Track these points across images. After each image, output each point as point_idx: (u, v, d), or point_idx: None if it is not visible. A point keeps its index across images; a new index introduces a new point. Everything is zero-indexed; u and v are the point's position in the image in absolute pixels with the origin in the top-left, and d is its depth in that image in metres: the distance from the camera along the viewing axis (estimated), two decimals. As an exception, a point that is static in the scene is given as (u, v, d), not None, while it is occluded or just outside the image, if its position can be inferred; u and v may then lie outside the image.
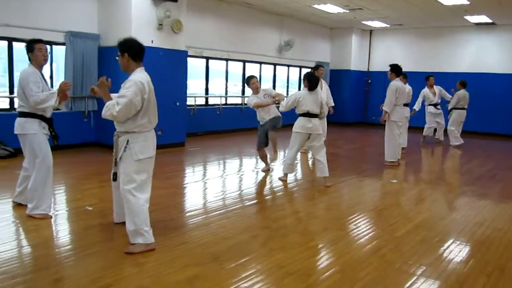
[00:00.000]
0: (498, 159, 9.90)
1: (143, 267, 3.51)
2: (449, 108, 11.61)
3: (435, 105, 11.66)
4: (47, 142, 4.68)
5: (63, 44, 8.53)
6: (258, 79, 7.30)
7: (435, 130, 11.98)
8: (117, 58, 3.92)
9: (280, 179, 6.92)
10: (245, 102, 7.03)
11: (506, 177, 7.84)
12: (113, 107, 3.65)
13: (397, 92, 8.20)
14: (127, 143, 3.80)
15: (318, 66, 8.83)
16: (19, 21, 7.87)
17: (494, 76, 14.12)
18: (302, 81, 6.56)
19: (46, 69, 8.75)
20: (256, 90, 7.20)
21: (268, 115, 7.15)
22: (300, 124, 6.50)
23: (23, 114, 4.59)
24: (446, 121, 11.75)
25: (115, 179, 3.93)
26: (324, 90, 9.04)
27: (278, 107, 6.98)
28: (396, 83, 8.28)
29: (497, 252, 4.16)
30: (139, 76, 3.79)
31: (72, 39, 8.49)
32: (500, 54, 14.16)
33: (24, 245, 4.02)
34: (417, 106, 11.52)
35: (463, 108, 11.49)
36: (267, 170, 7.52)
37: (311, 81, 6.46)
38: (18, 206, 4.90)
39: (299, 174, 7.64)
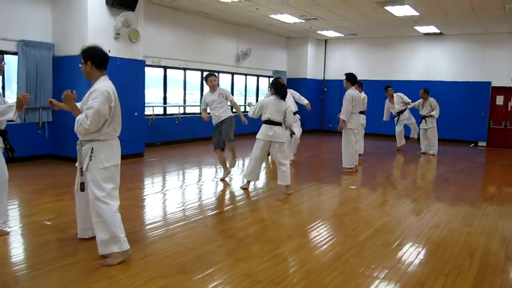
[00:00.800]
0: (449, 163, 10.32)
1: (110, 281, 3.44)
2: (426, 114, 11.64)
3: (402, 112, 12.01)
4: (1, 155, 4.51)
5: (15, 53, 8.26)
6: (217, 78, 7.42)
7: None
8: (80, 65, 3.87)
9: (241, 187, 6.95)
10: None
11: (458, 180, 8.20)
12: (83, 121, 3.61)
13: (353, 100, 8.43)
14: (91, 152, 3.74)
15: (277, 78, 8.98)
16: (-32, 29, 7.58)
17: (443, 83, 14.74)
18: (269, 88, 6.61)
19: (-3, 80, 8.49)
20: (213, 88, 7.31)
21: (217, 118, 7.23)
22: (262, 131, 6.57)
23: None
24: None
25: (82, 189, 3.85)
26: (289, 95, 9.09)
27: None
28: (351, 92, 8.50)
29: (454, 253, 4.35)
30: (104, 85, 3.76)
31: (25, 48, 8.23)
32: (448, 63, 14.82)
33: (-20, 264, 3.85)
34: (386, 118, 11.90)
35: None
36: (226, 176, 7.56)
37: (276, 88, 6.54)
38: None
39: (260, 182, 7.69)
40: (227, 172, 7.62)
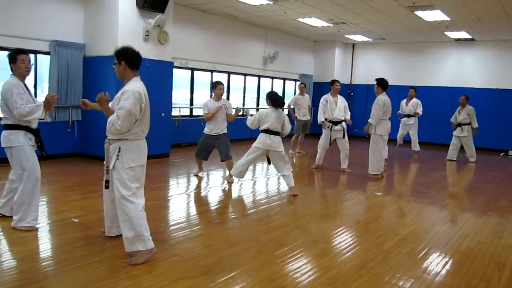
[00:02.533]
0: (478, 172, 10.11)
1: (134, 280, 3.48)
2: (462, 121, 11.53)
3: (409, 116, 11.95)
4: (34, 153, 4.62)
5: (47, 53, 8.45)
6: (226, 87, 7.55)
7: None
8: (113, 66, 3.93)
9: (224, 177, 7.60)
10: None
11: (487, 190, 8.00)
12: (115, 121, 3.67)
13: (384, 106, 8.30)
14: (119, 151, 3.79)
15: (333, 81, 9.16)
16: (4, 29, 7.78)
17: (473, 90, 14.42)
18: (265, 99, 6.88)
19: (29, 78, 8.69)
20: (219, 97, 7.44)
21: (215, 127, 7.38)
22: (260, 139, 6.76)
23: (8, 127, 4.51)
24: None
25: (107, 186, 3.93)
26: (342, 106, 8.99)
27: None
28: (383, 98, 8.35)
29: (482, 265, 4.24)
30: (136, 86, 3.82)
31: (57, 48, 8.42)
32: (479, 70, 14.51)
33: (9, 259, 3.92)
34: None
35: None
36: (198, 173, 7.99)
37: (273, 100, 6.71)
38: (2, 217, 4.81)
39: (284, 187, 7.65)
40: (199, 171, 7.98)
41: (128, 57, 3.89)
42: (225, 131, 7.51)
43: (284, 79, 15.67)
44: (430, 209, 6.49)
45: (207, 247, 4.32)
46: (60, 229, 4.74)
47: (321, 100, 9.03)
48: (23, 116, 4.39)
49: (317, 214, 5.99)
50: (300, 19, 12.15)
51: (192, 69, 11.76)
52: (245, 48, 13.42)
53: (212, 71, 12.35)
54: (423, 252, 4.51)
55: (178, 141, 11.11)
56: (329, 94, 9.03)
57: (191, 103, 12.02)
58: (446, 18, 10.98)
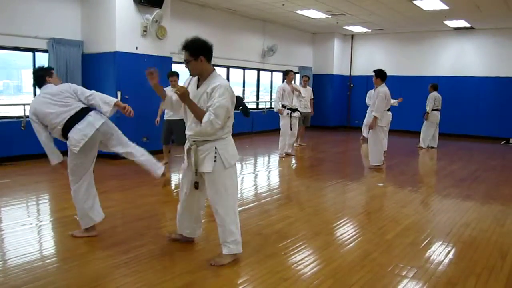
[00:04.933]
0: (479, 160, 10.10)
1: (138, 275, 3.49)
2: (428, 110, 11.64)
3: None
4: None
5: (46, 51, 8.44)
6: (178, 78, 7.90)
7: None
8: (187, 63, 3.58)
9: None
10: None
11: (488, 178, 8.00)
12: (214, 121, 3.42)
13: (385, 98, 8.28)
14: (215, 152, 3.57)
15: (287, 71, 9.74)
16: (2, 28, 7.79)
17: (473, 79, 14.42)
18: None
19: (29, 77, 8.69)
20: (174, 87, 7.61)
21: (173, 113, 7.51)
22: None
23: None
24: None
25: (197, 187, 3.75)
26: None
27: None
28: (384, 89, 8.32)
29: (485, 253, 4.24)
30: (224, 81, 3.58)
31: (55, 46, 8.40)
32: (479, 58, 14.47)
33: (13, 257, 3.92)
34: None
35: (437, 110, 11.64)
36: (165, 164, 7.93)
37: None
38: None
39: (285, 180, 7.67)
40: (165, 161, 7.97)
41: (206, 51, 3.56)
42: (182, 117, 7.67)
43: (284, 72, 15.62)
44: (432, 199, 6.49)
45: (210, 241, 4.32)
46: (63, 226, 4.75)
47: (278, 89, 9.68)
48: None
49: (319, 206, 5.99)
50: (298, 11, 12.10)
51: (191, 64, 11.72)
52: (243, 41, 13.38)
53: (211, 66, 12.31)
54: (426, 242, 4.52)
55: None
56: (285, 82, 9.67)
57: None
58: (445, 7, 10.93)
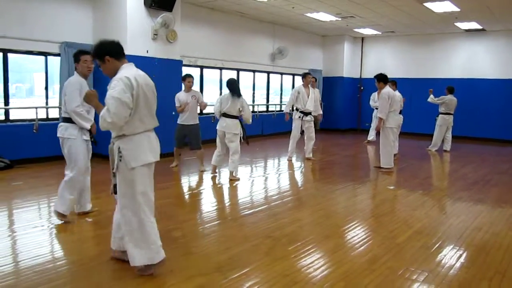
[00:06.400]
0: (491, 163, 9.99)
1: (147, 278, 3.49)
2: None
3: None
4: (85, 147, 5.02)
5: (58, 55, 8.51)
6: (193, 79, 8.13)
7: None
8: (99, 67, 3.56)
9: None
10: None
11: (501, 182, 7.92)
12: (105, 114, 3.27)
13: (389, 99, 8.32)
14: (119, 151, 3.43)
15: (305, 74, 9.60)
16: (15, 32, 7.88)
17: (485, 81, 14.29)
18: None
19: (40, 80, 8.80)
20: (188, 89, 7.96)
21: (188, 118, 7.90)
22: (219, 123, 7.42)
23: (65, 120, 4.91)
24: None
25: (115, 191, 3.54)
26: (312, 98, 9.39)
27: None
28: (386, 90, 8.41)
29: (497, 257, 4.20)
30: (125, 72, 3.42)
31: (67, 49, 8.46)
32: (491, 60, 14.33)
33: (24, 259, 3.96)
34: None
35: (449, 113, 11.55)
36: (175, 166, 8.37)
37: (229, 87, 7.25)
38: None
39: (295, 182, 7.66)
40: (176, 163, 8.40)
41: (109, 50, 3.48)
42: (196, 122, 8.06)
43: (293, 75, 15.62)
44: (443, 202, 6.44)
45: (220, 244, 4.33)
46: (74, 228, 4.78)
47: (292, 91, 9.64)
48: (76, 114, 4.79)
49: (329, 209, 5.97)
50: (308, 14, 12.09)
51: (201, 67, 11.78)
52: (253, 44, 13.39)
53: (221, 69, 12.36)
54: (437, 245, 4.48)
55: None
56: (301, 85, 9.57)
57: (201, 101, 12.01)
58: (456, 9, 10.85)
